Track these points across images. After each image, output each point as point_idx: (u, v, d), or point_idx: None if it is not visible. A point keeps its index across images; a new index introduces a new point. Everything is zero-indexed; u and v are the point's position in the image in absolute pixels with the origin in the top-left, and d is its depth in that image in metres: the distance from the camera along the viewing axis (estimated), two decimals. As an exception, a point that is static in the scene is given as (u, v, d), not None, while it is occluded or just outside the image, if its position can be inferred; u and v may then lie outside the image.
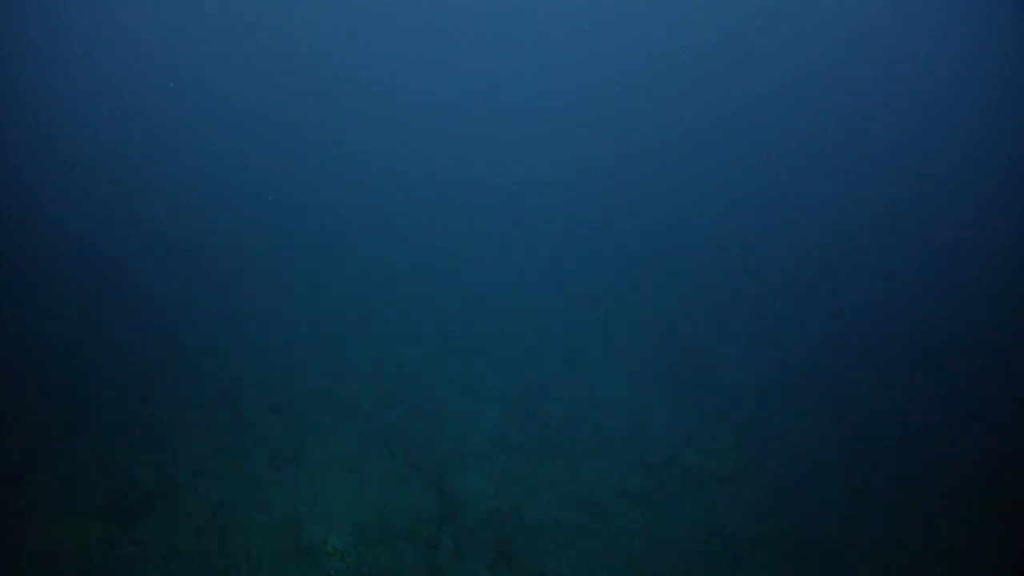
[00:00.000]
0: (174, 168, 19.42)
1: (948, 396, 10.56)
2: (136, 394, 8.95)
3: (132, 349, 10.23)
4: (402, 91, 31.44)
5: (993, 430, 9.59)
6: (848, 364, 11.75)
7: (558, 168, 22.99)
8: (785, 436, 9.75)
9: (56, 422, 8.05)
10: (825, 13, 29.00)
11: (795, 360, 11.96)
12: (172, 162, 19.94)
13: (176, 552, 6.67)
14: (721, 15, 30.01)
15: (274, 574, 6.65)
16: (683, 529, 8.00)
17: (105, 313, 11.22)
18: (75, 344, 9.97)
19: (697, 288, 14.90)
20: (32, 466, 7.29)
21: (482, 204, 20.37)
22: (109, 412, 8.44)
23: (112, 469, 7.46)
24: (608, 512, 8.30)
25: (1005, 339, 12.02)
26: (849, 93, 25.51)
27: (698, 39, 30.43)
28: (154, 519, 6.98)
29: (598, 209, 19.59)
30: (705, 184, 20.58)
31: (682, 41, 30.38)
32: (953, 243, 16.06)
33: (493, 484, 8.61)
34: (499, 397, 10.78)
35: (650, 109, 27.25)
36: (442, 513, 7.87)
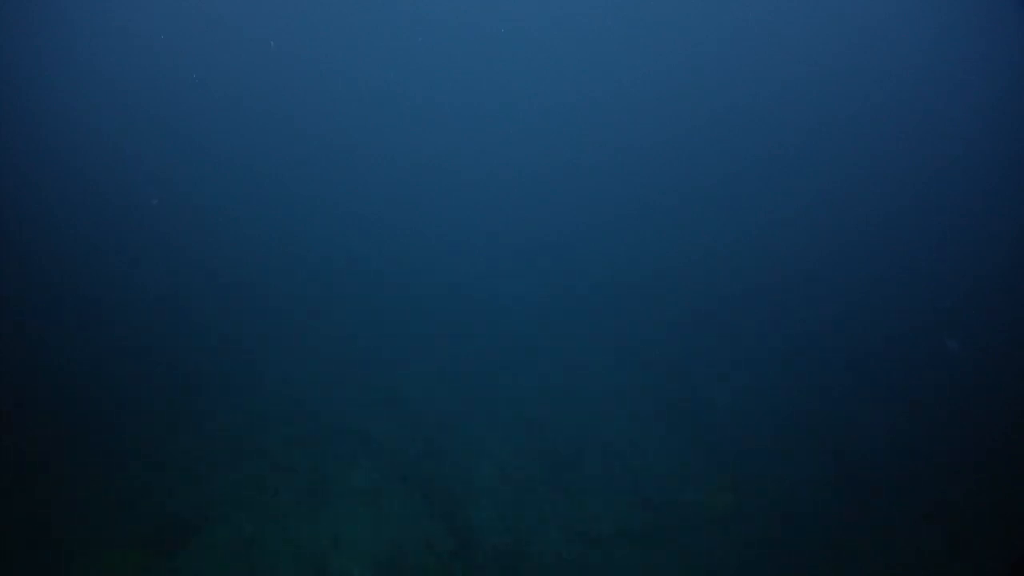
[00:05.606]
0: (197, 202, 20.17)
1: (942, 440, 11.03)
2: (172, 429, 9.54)
3: (164, 385, 10.85)
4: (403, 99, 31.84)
5: (987, 472, 10.05)
6: (841, 407, 12.25)
7: (566, 201, 23.61)
8: (778, 478, 10.25)
9: (99, 457, 8.64)
10: (823, 18, 29.43)
11: (788, 403, 12.45)
12: (195, 195, 20.71)
13: (210, 582, 7.21)
14: (719, 19, 30.42)
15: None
16: (681, 568, 8.48)
17: (141, 351, 11.87)
18: (113, 382, 10.60)
19: (698, 330, 15.46)
20: (75, 499, 7.86)
21: (487, 243, 21.02)
22: (149, 447, 9.02)
23: (152, 501, 8.03)
24: (610, 549, 8.80)
25: (994, 375, 12.51)
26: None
27: (692, 46, 30.91)
28: (191, 550, 7.52)
29: (604, 252, 20.23)
30: (702, 227, 21.19)
31: (674, 48, 30.83)
32: (934, 280, 16.65)
33: (502, 519, 9.12)
34: (507, 433, 11.30)
35: (638, 138, 27.92)
36: (454, 548, 8.39)
